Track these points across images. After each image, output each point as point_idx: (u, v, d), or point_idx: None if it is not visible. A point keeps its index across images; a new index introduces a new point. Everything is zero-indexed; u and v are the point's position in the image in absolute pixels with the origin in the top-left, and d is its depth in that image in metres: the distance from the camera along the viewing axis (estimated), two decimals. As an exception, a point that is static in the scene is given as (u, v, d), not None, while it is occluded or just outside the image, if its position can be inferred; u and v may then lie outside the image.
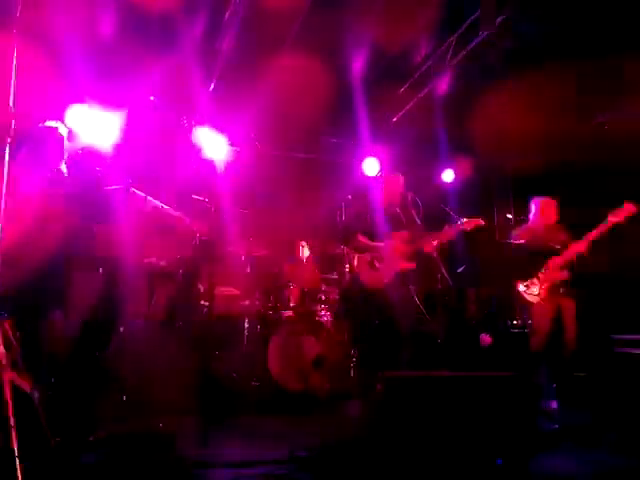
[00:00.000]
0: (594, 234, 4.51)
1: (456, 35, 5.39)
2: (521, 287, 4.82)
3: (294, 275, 5.31)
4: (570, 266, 4.63)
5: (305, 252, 5.95)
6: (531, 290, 4.75)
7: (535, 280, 4.69)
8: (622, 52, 4.97)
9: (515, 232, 4.99)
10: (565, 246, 4.69)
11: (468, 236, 4.16)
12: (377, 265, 4.01)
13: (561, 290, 4.68)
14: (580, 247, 4.60)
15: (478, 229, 4.10)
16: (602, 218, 4.51)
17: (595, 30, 5.00)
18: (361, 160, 7.34)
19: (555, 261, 4.63)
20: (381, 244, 4.07)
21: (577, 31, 5.05)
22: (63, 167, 3.45)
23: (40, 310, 2.97)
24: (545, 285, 4.58)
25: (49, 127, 3.36)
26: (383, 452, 2.28)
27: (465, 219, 4.04)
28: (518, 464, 2.33)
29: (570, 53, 5.27)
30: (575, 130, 6.08)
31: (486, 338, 5.34)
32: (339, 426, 3.60)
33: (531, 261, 4.32)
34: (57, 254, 2.69)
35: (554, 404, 3.51)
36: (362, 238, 4.09)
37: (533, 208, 5.01)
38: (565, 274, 4.62)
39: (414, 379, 2.49)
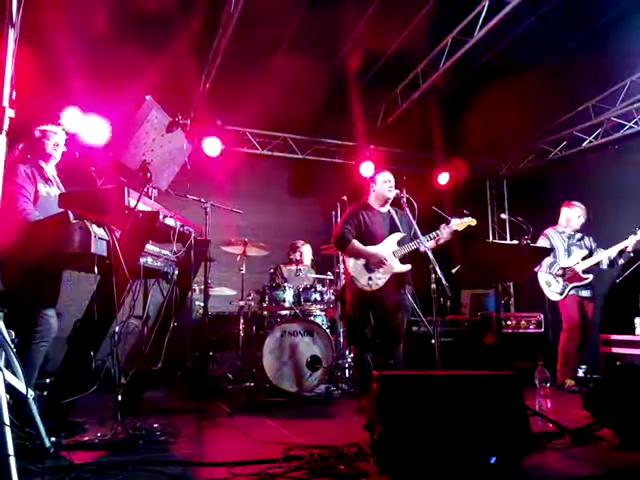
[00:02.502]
0: (623, 244, 4.64)
1: (451, 35, 5.40)
2: (544, 285, 4.94)
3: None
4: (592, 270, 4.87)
5: (305, 251, 5.95)
6: (553, 288, 4.88)
7: (558, 279, 4.83)
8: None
9: (544, 233, 5.11)
10: (590, 252, 4.85)
11: (463, 237, 4.17)
12: (372, 268, 4.01)
13: (581, 292, 4.80)
14: (607, 254, 4.74)
15: (471, 229, 4.11)
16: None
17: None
18: (356, 161, 7.35)
19: (581, 264, 4.77)
20: (376, 248, 4.05)
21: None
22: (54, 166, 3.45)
23: (34, 308, 2.97)
24: (568, 284, 4.85)
25: (44, 129, 3.35)
26: (378, 451, 2.29)
27: (457, 219, 4.05)
28: (512, 463, 2.34)
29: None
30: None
31: (490, 337, 5.47)
32: (334, 426, 3.62)
33: (529, 261, 4.36)
34: (52, 252, 2.68)
35: (549, 402, 3.53)
36: (357, 244, 4.07)
37: (564, 212, 5.16)
38: (588, 277, 4.77)
39: (409, 378, 2.50)
